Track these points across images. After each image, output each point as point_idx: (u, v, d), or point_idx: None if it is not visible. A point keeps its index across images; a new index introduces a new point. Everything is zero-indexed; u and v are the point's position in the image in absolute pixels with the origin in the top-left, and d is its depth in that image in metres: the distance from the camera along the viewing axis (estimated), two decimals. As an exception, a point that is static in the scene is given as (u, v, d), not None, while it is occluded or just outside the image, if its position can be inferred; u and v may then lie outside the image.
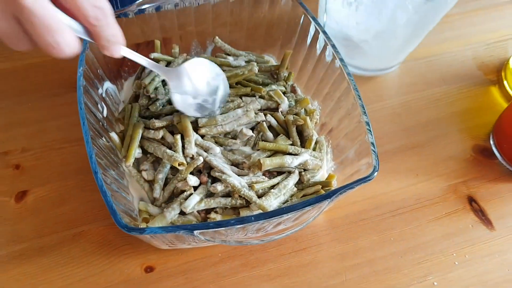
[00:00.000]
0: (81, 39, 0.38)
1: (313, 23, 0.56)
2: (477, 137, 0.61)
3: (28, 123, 0.59)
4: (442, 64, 0.68)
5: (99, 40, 0.38)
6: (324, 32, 0.55)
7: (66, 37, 0.35)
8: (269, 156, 0.53)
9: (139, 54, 0.46)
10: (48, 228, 0.52)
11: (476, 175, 0.58)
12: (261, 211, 0.48)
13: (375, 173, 0.45)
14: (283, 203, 0.51)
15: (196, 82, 0.51)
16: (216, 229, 0.41)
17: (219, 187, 0.49)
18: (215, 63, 0.59)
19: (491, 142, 0.60)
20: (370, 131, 0.48)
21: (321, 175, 0.54)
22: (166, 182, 0.51)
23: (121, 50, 0.41)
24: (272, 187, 0.51)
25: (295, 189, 0.52)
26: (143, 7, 0.56)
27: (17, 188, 0.55)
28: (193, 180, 0.48)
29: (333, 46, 0.54)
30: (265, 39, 0.62)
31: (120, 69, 0.58)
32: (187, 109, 0.51)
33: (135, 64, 0.59)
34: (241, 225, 0.42)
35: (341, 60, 0.53)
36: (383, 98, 0.64)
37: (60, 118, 0.60)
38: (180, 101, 0.50)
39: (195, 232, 0.40)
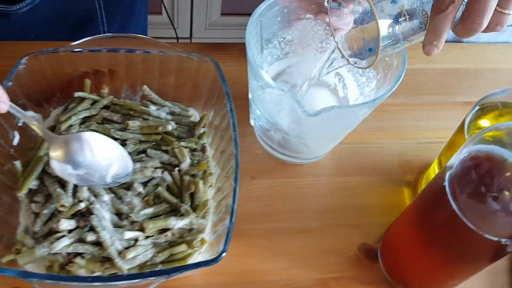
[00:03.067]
0: None
1: (226, 96, 0.59)
2: (368, 236, 0.63)
3: None
4: (365, 153, 0.70)
5: None
6: (231, 110, 0.58)
7: None
8: (155, 216, 0.57)
9: (23, 111, 0.51)
10: None
11: (352, 274, 0.61)
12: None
13: (220, 258, 0.49)
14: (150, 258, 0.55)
15: (78, 155, 0.55)
16: (55, 281, 0.46)
17: (90, 237, 0.54)
18: (136, 110, 0.63)
19: (379, 245, 0.62)
20: (232, 215, 0.51)
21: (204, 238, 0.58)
22: (53, 218, 0.56)
23: (5, 107, 0.49)
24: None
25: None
26: (75, 50, 0.60)
27: None
28: (65, 224, 0.54)
29: (233, 125, 0.57)
30: (192, 93, 0.67)
31: (50, 97, 0.63)
32: (67, 177, 0.56)
33: (65, 95, 0.64)
34: (78, 283, 0.46)
35: (235, 139, 0.56)
36: (290, 175, 0.66)
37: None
38: (58, 168, 0.55)
39: (33, 280, 0.45)
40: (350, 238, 0.64)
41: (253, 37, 0.59)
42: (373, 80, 0.62)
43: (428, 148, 0.72)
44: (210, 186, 0.62)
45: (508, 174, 0.43)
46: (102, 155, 0.57)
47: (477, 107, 0.56)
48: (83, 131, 0.61)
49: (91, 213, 0.56)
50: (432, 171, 0.66)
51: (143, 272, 0.52)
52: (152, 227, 0.56)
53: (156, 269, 0.55)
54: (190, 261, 0.57)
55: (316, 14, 0.63)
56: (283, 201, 0.66)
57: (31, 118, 0.54)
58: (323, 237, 0.64)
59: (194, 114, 0.68)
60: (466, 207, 0.45)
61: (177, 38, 1.30)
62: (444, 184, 0.47)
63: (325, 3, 0.62)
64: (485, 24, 0.47)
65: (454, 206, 0.46)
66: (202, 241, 0.57)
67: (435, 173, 0.65)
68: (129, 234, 0.55)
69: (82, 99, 0.64)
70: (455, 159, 0.47)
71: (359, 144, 0.71)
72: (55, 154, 0.55)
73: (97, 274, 0.54)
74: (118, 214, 0.58)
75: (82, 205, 0.56)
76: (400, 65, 0.55)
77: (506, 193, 0.43)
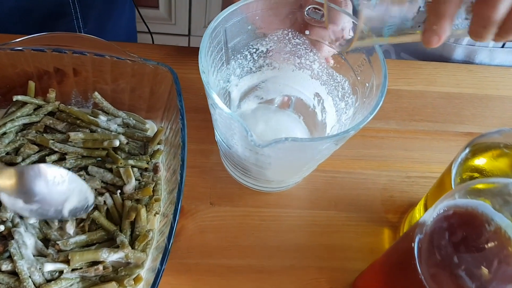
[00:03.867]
0: None
1: (180, 113, 0.52)
2: (336, 282, 0.56)
3: None
4: (344, 184, 0.61)
5: None
6: (182, 128, 0.51)
7: None
8: (87, 245, 0.50)
9: None
10: None
11: (312, 326, 0.52)
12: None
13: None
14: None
15: (30, 189, 0.48)
16: None
17: (5, 266, 0.48)
18: (83, 120, 0.56)
19: (347, 294, 0.54)
20: (164, 256, 0.44)
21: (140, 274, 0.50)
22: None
23: None
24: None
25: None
26: (16, 48, 0.54)
27: None
28: (-24, 251, 0.47)
29: (183, 145, 0.50)
30: (150, 104, 0.60)
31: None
32: (19, 211, 0.49)
33: (9, 98, 0.57)
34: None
35: (182, 164, 0.49)
36: (254, 204, 0.58)
37: None
38: (8, 202, 0.48)
39: None
40: (315, 283, 0.55)
41: (213, 45, 0.51)
42: (351, 108, 0.53)
43: (417, 184, 0.63)
44: (156, 213, 0.54)
45: (490, 244, 0.35)
46: (58, 189, 0.49)
47: (468, 149, 0.47)
48: (19, 140, 0.55)
49: (13, 237, 0.49)
50: (418, 212, 0.57)
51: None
52: (78, 259, 0.48)
53: (80, 308, 0.48)
54: (123, 300, 0.49)
55: (292, 26, 0.54)
56: (242, 233, 0.58)
57: None
58: (284, 280, 0.55)
59: (152, 127, 0.61)
60: (435, 279, 0.36)
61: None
62: (413, 245, 0.39)
63: (305, 15, 0.54)
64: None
65: (421, 276, 0.37)
66: (138, 278, 0.50)
67: (420, 215, 0.56)
68: (49, 267, 0.48)
69: (24, 104, 0.57)
70: (429, 216, 0.38)
71: (338, 173, 0.63)
72: (4, 186, 0.47)
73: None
74: (46, 239, 0.51)
75: (1, 228, 0.49)
76: (379, 93, 0.46)
77: (485, 270, 0.34)
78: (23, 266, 0.47)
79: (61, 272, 0.49)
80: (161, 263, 0.45)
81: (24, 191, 0.48)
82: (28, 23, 0.75)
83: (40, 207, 0.49)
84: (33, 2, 0.74)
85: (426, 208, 0.54)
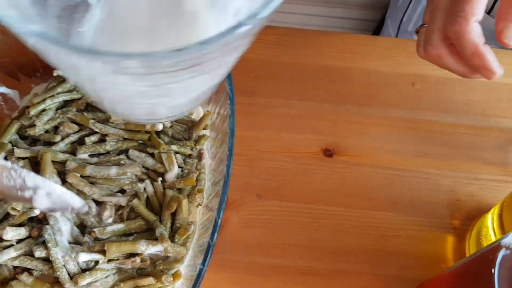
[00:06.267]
0: None
1: (229, 97, 0.48)
2: (391, 292, 0.51)
3: None
4: (405, 183, 0.57)
5: None
6: (231, 115, 0.47)
7: None
8: (125, 234, 0.48)
9: None
10: None
11: (362, 338, 0.49)
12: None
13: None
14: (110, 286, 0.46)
15: None
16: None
17: (38, 253, 0.46)
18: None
19: (403, 306, 0.50)
20: (207, 254, 0.42)
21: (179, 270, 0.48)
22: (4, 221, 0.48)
23: None
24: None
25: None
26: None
27: None
28: (10, 234, 0.46)
29: (231, 132, 0.46)
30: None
31: (30, 71, 0.54)
32: None
33: (49, 72, 0.55)
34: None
35: (229, 154, 0.46)
36: (306, 200, 0.55)
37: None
38: None
39: None
40: (368, 291, 0.52)
41: None
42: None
43: (488, 188, 0.57)
44: (199, 205, 0.51)
45: None
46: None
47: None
48: (58, 118, 0.52)
49: (48, 222, 0.48)
50: (490, 221, 0.52)
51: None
52: (115, 250, 0.46)
53: (115, 303, 0.46)
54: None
55: None
56: (291, 231, 0.54)
57: None
58: (334, 285, 0.52)
59: (198, 110, 0.57)
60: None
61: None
62: (493, 270, 0.34)
63: None
64: None
65: (503, 308, 0.33)
66: (176, 275, 0.47)
67: (493, 226, 0.51)
68: (84, 257, 0.46)
69: (65, 79, 0.55)
70: (515, 238, 0.34)
71: (398, 170, 0.58)
72: None
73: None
74: (83, 225, 0.49)
75: (37, 212, 0.47)
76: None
77: None
78: (57, 254, 0.45)
79: (96, 262, 0.47)
80: (203, 263, 0.43)
81: None
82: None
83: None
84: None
85: (501, 220, 0.49)
